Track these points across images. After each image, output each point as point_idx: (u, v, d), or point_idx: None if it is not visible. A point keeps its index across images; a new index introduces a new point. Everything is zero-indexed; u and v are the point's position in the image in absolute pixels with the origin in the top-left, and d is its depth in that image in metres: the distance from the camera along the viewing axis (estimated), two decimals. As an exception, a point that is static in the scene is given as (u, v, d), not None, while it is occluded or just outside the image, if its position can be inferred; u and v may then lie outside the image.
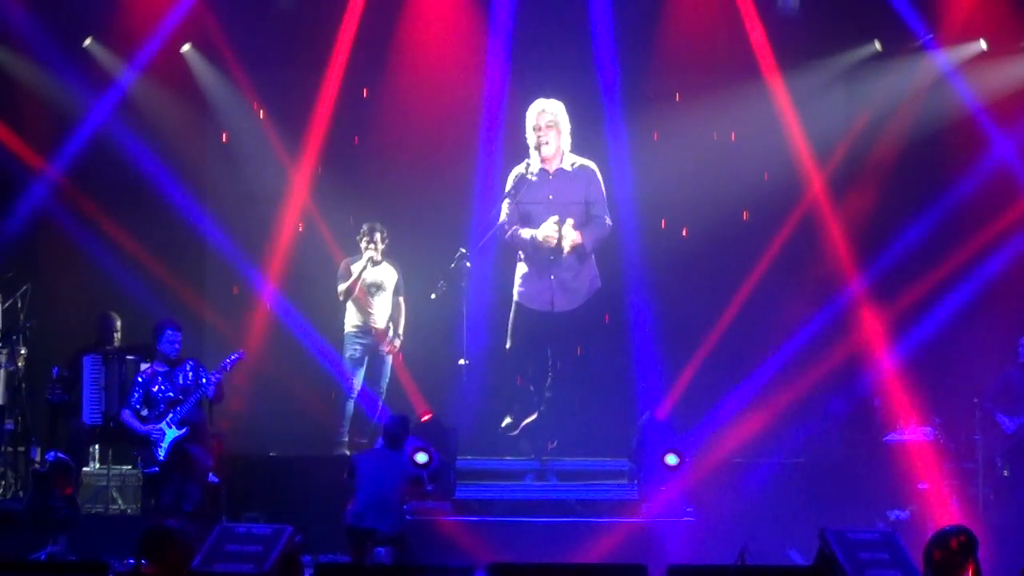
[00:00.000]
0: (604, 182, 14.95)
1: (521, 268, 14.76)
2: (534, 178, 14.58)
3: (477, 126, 15.46)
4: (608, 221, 14.75)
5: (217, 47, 15.74)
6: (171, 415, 12.93)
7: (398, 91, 15.80)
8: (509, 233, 14.64)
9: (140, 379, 13.20)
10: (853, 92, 15.93)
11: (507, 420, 14.74)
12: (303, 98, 15.78)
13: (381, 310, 14.95)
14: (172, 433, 12.91)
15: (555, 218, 14.56)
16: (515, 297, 14.79)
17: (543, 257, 14.63)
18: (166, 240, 15.71)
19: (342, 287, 14.92)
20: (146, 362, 14.21)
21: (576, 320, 14.75)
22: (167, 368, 13.17)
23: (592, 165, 14.74)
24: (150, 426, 12.93)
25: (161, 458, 12.88)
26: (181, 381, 13.07)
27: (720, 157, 15.75)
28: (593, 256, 14.79)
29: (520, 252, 14.76)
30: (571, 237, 14.57)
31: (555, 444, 14.75)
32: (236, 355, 13.28)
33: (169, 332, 13.21)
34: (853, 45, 15.86)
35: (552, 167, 14.65)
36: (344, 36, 15.64)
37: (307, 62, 15.76)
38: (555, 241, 14.56)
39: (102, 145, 15.62)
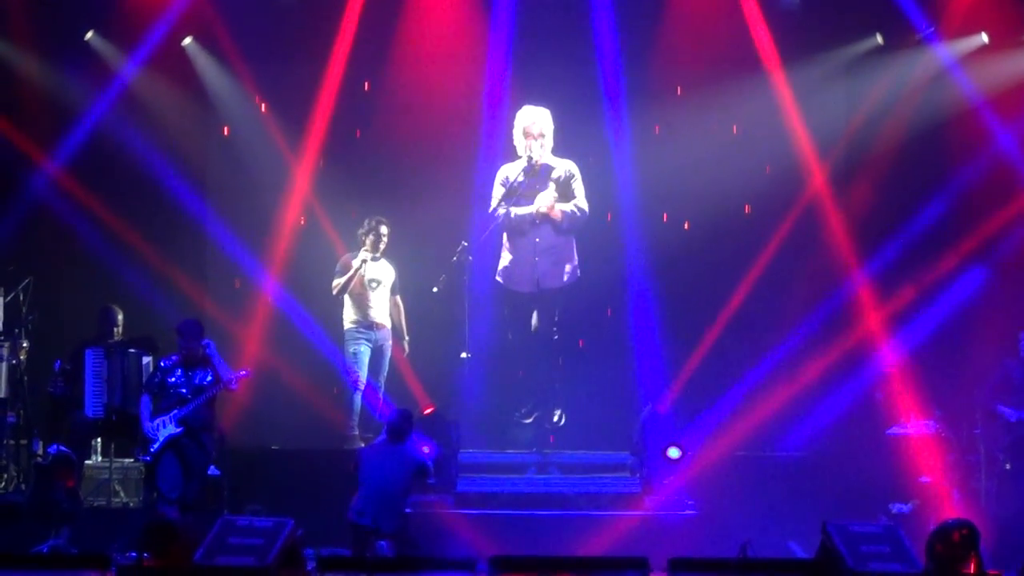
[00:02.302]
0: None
1: (505, 255, 14.74)
2: (522, 175, 14.57)
3: (479, 118, 15.46)
4: (585, 209, 14.70)
5: (218, 40, 15.74)
6: (175, 411, 12.94)
7: (400, 84, 15.80)
8: (503, 216, 14.58)
9: (163, 364, 13.23)
10: (854, 85, 15.93)
11: (522, 411, 14.77)
12: (304, 91, 15.78)
13: (380, 305, 14.93)
14: (168, 430, 12.91)
15: (552, 188, 14.58)
16: (500, 282, 14.76)
17: (527, 241, 14.59)
18: (168, 233, 15.73)
19: (338, 281, 14.89)
20: (148, 355, 14.29)
21: (563, 300, 14.70)
22: (184, 361, 13.17)
23: (573, 165, 14.72)
24: (153, 422, 12.94)
25: (153, 449, 12.92)
26: (197, 381, 13.06)
27: (722, 150, 15.75)
28: (574, 245, 14.74)
29: (504, 235, 14.72)
30: (551, 198, 14.52)
31: (557, 432, 14.71)
32: (243, 372, 13.29)
33: (179, 341, 13.21)
34: (854, 38, 15.87)
35: (540, 163, 14.66)
36: (346, 29, 15.63)
37: (309, 55, 15.76)
38: (552, 210, 14.56)
39: (103, 139, 15.62)
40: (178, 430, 12.91)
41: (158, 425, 12.94)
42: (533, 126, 14.61)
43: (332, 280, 14.97)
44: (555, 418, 14.69)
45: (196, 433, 12.97)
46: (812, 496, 13.77)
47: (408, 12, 15.78)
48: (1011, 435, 13.98)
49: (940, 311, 15.30)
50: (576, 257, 14.74)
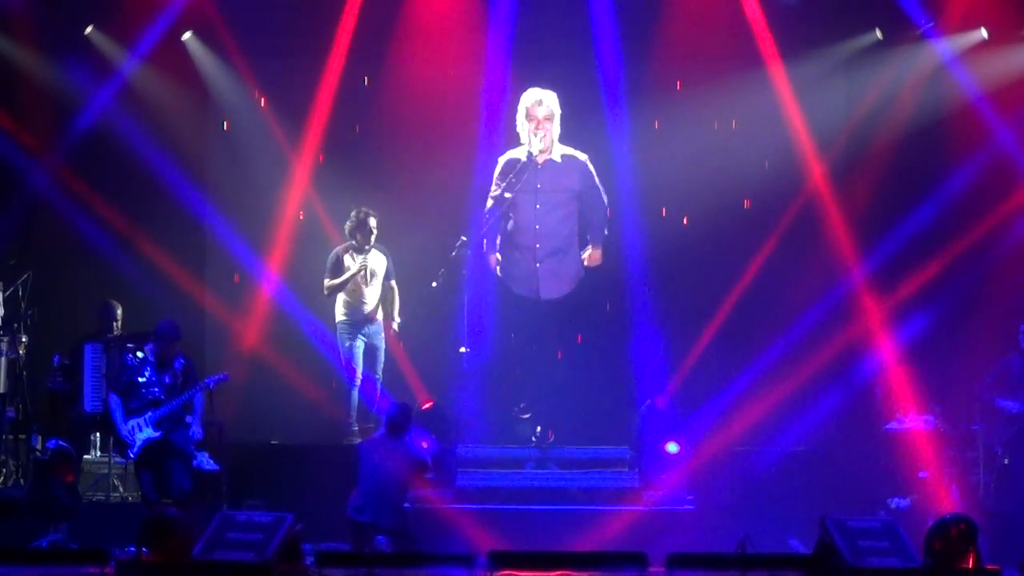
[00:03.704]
0: (604, 171, 14.90)
1: (508, 253, 14.71)
2: (524, 166, 14.46)
3: (478, 114, 15.43)
4: (605, 202, 14.63)
5: (218, 35, 15.73)
6: (149, 414, 12.92)
7: (399, 79, 15.80)
8: (487, 226, 14.52)
9: (129, 362, 13.19)
10: (854, 81, 15.93)
11: (520, 406, 14.74)
12: (304, 86, 15.77)
13: (373, 297, 14.90)
14: (146, 434, 12.91)
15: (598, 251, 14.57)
16: (501, 278, 14.73)
17: (528, 244, 14.51)
18: (167, 228, 15.73)
19: (331, 282, 14.84)
20: (146, 351, 14.31)
21: (564, 309, 14.66)
22: (157, 361, 13.16)
23: (582, 156, 14.60)
24: (128, 423, 12.93)
25: (132, 456, 12.93)
26: (168, 381, 13.05)
27: (721, 145, 15.74)
28: (578, 249, 14.68)
29: (507, 230, 14.68)
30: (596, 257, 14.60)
31: (556, 427, 14.68)
32: (221, 376, 13.28)
33: (157, 342, 13.20)
34: (854, 34, 15.85)
35: (542, 157, 14.49)
36: (345, 24, 15.63)
37: (308, 50, 15.75)
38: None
39: (103, 133, 15.62)
40: (156, 434, 12.91)
41: (133, 428, 12.95)
42: (539, 108, 14.36)
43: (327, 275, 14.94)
44: (549, 434, 14.61)
45: (169, 434, 12.96)
46: (810, 491, 13.78)
47: (408, 8, 15.78)
48: (1011, 429, 13.98)
49: (938, 305, 15.30)
50: (580, 263, 14.66)
